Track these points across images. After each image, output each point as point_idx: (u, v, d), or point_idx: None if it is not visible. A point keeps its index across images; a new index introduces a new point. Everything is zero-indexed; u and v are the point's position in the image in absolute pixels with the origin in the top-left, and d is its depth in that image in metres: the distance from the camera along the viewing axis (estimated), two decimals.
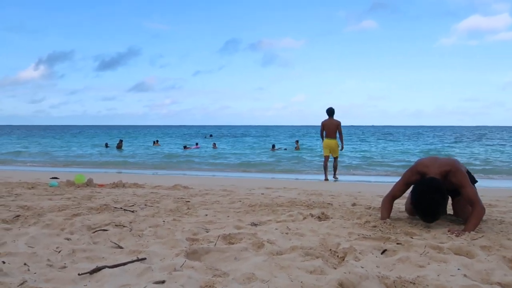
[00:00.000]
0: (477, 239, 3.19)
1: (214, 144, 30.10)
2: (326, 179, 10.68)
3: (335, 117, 10.81)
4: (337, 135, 10.78)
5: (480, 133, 61.87)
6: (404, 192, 3.99)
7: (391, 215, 4.07)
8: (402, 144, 35.10)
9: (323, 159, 11.00)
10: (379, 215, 4.16)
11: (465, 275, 2.32)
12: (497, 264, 2.48)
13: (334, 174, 11.08)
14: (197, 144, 30.14)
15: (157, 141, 34.37)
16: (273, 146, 27.28)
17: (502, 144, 33.04)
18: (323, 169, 11.03)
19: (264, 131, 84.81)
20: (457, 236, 3.28)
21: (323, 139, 10.84)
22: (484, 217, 4.18)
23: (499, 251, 2.85)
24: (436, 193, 3.47)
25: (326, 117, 10.82)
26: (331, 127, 10.59)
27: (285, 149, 26.62)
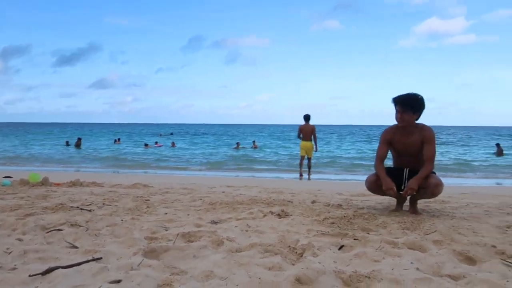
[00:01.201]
0: (429, 234, 3.30)
1: (173, 142, 29.79)
2: (301, 176, 12.01)
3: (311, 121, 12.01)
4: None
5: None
6: (387, 151, 4.33)
7: (349, 212, 4.18)
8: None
9: (299, 159, 12.40)
10: (338, 212, 4.24)
11: (417, 269, 2.40)
12: (447, 258, 2.58)
13: (309, 173, 12.19)
14: (156, 142, 29.76)
15: (119, 139, 33.72)
16: (238, 144, 27.44)
17: (450, 142, 34.43)
18: (299, 167, 12.42)
19: (228, 129, 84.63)
20: (406, 192, 4.00)
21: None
22: (437, 213, 4.34)
23: (450, 245, 2.96)
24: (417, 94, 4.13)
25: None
26: (307, 131, 11.91)
27: (243, 147, 26.91)
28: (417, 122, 4.18)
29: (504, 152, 22.29)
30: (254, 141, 28.44)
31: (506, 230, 3.48)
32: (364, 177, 4.53)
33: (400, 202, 4.49)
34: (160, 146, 28.25)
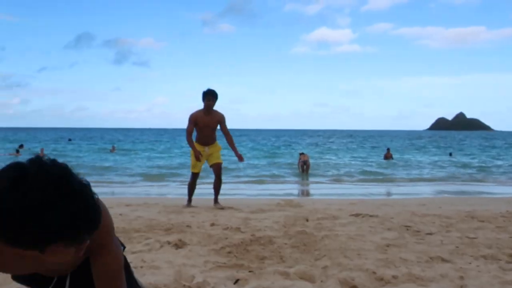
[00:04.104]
0: (320, 259, 3.50)
1: (42, 150, 27.11)
2: None
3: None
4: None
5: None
6: None
7: (247, 237, 4.26)
8: None
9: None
10: (236, 236, 4.30)
11: None
12: None
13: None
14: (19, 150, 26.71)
15: (113, 146, 30.30)
16: (113, 147, 27.31)
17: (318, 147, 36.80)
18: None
19: (126, 133, 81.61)
20: None
21: None
22: (329, 232, 4.60)
23: (337, 270, 3.17)
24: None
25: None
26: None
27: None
28: None
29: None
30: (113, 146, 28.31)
31: (386, 250, 3.82)
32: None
33: None
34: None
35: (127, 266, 1.81)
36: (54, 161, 1.21)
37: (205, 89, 6.81)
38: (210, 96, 6.73)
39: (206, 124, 6.84)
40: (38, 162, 1.18)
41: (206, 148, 6.88)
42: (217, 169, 6.91)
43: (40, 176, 1.13)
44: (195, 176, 7.00)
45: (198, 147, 6.83)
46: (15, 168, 1.17)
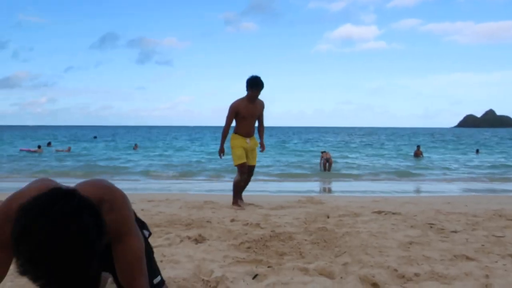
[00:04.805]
0: (340, 255, 3.45)
1: (69, 148, 28.02)
2: None
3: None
4: None
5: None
6: None
7: (266, 232, 4.24)
8: None
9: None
10: (255, 232, 4.29)
11: None
12: (353, 285, 2.71)
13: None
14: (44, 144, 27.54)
15: (136, 145, 31.24)
16: (136, 145, 29.56)
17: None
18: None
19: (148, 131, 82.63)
20: None
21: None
22: (349, 229, 4.53)
23: (357, 267, 3.11)
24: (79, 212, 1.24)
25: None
26: None
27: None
28: None
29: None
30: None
31: (408, 247, 3.73)
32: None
33: None
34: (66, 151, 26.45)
35: (150, 252, 2.03)
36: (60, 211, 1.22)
37: (250, 76, 6.12)
38: (259, 87, 6.09)
39: (250, 114, 6.24)
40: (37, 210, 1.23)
41: (248, 140, 6.31)
42: (251, 170, 6.53)
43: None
44: (243, 168, 6.27)
45: (240, 138, 6.28)
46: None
